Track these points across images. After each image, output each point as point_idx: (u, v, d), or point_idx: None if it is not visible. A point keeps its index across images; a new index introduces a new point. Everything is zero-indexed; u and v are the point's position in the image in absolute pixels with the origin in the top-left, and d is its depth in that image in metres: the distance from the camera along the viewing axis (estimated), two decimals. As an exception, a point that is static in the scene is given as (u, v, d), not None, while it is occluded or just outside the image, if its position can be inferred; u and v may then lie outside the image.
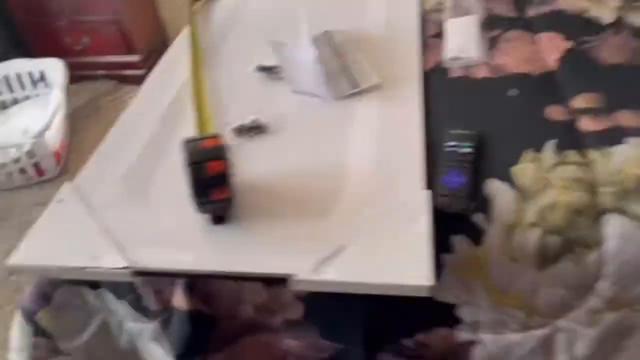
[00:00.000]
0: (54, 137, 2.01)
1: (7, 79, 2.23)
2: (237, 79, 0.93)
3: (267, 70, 0.92)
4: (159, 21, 2.69)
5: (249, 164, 0.71)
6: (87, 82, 2.56)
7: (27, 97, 2.28)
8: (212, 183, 0.62)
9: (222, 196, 0.63)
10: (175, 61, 1.00)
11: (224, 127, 0.81)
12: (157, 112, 0.86)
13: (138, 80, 2.51)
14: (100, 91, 2.53)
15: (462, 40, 0.95)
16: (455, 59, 0.92)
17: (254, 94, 0.89)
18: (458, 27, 1.00)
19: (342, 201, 0.68)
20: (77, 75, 2.35)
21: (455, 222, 0.67)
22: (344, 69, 0.90)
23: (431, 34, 1.02)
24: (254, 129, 0.80)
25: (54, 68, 2.19)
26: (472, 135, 0.74)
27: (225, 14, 1.15)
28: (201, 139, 0.64)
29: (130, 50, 2.41)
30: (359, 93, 0.86)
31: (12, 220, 1.93)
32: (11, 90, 2.25)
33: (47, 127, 1.90)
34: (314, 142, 0.78)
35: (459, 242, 0.67)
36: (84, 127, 2.33)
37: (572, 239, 0.66)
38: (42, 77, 2.25)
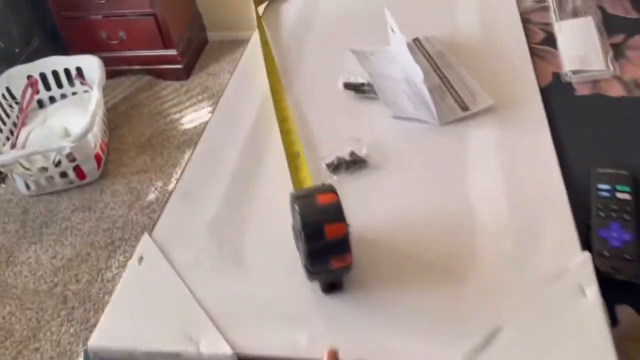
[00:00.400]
0: (94, 139, 1.93)
1: (44, 77, 2.14)
2: (323, 100, 0.80)
3: (356, 88, 0.80)
4: (195, 14, 2.57)
5: (354, 208, 0.60)
6: (123, 77, 2.47)
7: (64, 96, 2.19)
8: (331, 249, 0.51)
9: (342, 264, 0.52)
10: (249, 74, 0.88)
11: (318, 161, 0.70)
12: (238, 140, 0.75)
13: (175, 75, 2.43)
14: (137, 87, 2.44)
15: (581, 49, 0.82)
16: (577, 72, 0.78)
17: (345, 119, 0.77)
18: (572, 32, 0.86)
19: (478, 261, 0.56)
20: (112, 71, 2.26)
21: (615, 288, 0.55)
22: (448, 87, 0.78)
23: (538, 40, 0.88)
24: (352, 164, 0.69)
25: (91, 65, 2.10)
26: (627, 176, 0.61)
27: (295, 16, 1.03)
28: (313, 194, 0.52)
29: (166, 44, 2.31)
30: (470, 116, 0.74)
31: (53, 227, 1.86)
32: (48, 88, 2.16)
33: (88, 129, 1.81)
34: (426, 179, 0.66)
35: (622, 311, 0.55)
36: (122, 124, 2.24)
37: None
38: (79, 74, 2.16)
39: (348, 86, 0.80)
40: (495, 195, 0.63)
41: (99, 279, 1.68)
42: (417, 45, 0.86)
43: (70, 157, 1.85)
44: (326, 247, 0.50)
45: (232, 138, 0.75)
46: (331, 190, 0.53)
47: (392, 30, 0.83)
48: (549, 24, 0.91)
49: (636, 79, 0.76)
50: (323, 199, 0.52)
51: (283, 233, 0.58)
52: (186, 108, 2.31)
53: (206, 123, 0.78)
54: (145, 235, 0.62)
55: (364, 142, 0.71)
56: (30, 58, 2.14)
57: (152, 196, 1.92)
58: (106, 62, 2.10)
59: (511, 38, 0.88)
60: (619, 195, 0.59)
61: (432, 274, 0.55)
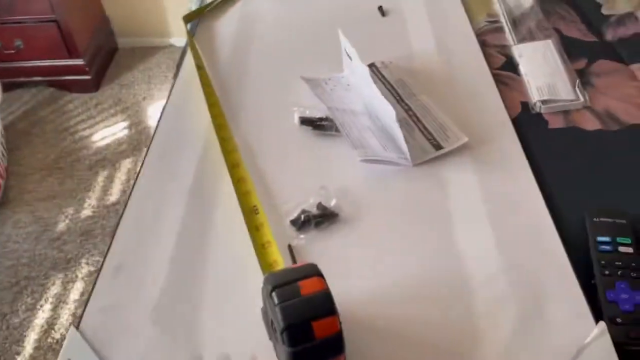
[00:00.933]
0: (-9, 166, 1.69)
1: None
2: (277, 138, 0.70)
3: (313, 124, 0.70)
4: (102, 19, 2.36)
5: (330, 274, 0.49)
6: (22, 90, 2.21)
7: (-50, 115, 1.92)
8: (322, 352, 0.41)
9: (334, 366, 0.42)
10: (184, 107, 0.76)
11: (280, 217, 0.59)
12: (180, 193, 0.62)
13: (83, 86, 2.21)
14: (38, 101, 2.20)
15: (547, 76, 0.77)
16: (546, 101, 0.74)
17: (305, 162, 0.67)
18: (533, 57, 0.81)
19: (481, 338, 0.48)
20: (8, 83, 2.01)
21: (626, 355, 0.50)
22: (415, 121, 0.70)
23: (498, 66, 0.83)
24: (321, 218, 0.59)
25: (-17, 79, 1.85)
26: (626, 226, 0.56)
27: (231, 37, 0.91)
28: (294, 280, 0.42)
29: (72, 53, 2.09)
30: (443, 155, 0.66)
31: (-56, 270, 1.62)
32: None
33: (-19, 155, 1.58)
34: (408, 234, 0.58)
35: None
36: (22, 145, 2.00)
37: None
38: (-32, 89, 1.89)
39: (305, 121, 0.70)
40: (486, 252, 0.55)
41: (4, 327, 1.47)
42: (374, 72, 0.78)
43: (-38, 187, 1.61)
44: (316, 349, 0.40)
45: (171, 190, 0.63)
46: (316, 273, 0.43)
47: (349, 57, 0.74)
48: (506, 46, 0.86)
49: (608, 109, 0.72)
50: (308, 288, 0.42)
51: (250, 312, 0.48)
52: (97, 123, 2.10)
53: (137, 174, 0.65)
54: (72, 330, 0.48)
55: (331, 191, 0.62)
56: None
57: (62, 226, 1.72)
58: (1, 73, 1.86)
59: (471, 63, 0.81)
60: (621, 248, 0.54)
61: (431, 356, 0.47)
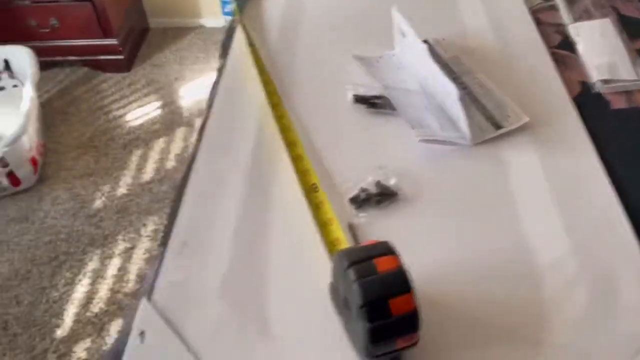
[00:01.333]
0: (29, 141, 1.72)
1: (-35, 71, 1.89)
2: (331, 117, 0.69)
3: (368, 102, 0.70)
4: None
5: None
6: (56, 69, 2.24)
7: (-10, 92, 1.95)
8: (398, 328, 0.41)
9: (409, 343, 0.42)
10: (236, 88, 0.75)
11: (338, 195, 0.59)
12: (238, 171, 0.62)
13: (116, 66, 2.22)
14: (73, 80, 2.22)
15: (606, 55, 0.75)
16: (607, 81, 0.72)
17: (361, 141, 0.66)
18: (592, 36, 0.79)
19: (550, 322, 0.47)
20: (44, 62, 2.03)
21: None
22: (473, 99, 0.69)
23: (555, 44, 0.80)
24: (381, 197, 0.58)
25: (21, 57, 1.88)
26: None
27: (279, 14, 0.90)
28: (370, 258, 0.42)
29: (106, 33, 2.11)
30: (503, 135, 0.65)
31: (-14, 240, 1.65)
32: (-29, 83, 1.91)
33: (22, 132, 1.61)
34: (470, 214, 0.57)
35: None
36: (58, 123, 2.03)
37: None
38: (7, 67, 1.92)
39: (359, 100, 0.70)
40: (552, 235, 0.54)
41: (44, 300, 1.50)
42: (428, 49, 0.77)
43: (2, 163, 1.64)
44: (392, 326, 0.40)
45: (230, 169, 0.63)
46: (390, 251, 0.43)
47: (402, 35, 0.73)
48: (561, 25, 0.84)
49: (672, 90, 0.70)
50: (384, 265, 0.41)
51: (314, 288, 0.48)
52: (130, 103, 2.12)
53: (193, 153, 0.65)
54: (144, 302, 0.49)
55: (389, 170, 0.61)
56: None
57: (98, 203, 1.75)
58: (38, 52, 1.88)
59: (527, 41, 0.80)
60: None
61: (499, 337, 0.47)
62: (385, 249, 0.43)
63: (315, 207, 0.57)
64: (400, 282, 0.41)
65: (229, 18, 0.90)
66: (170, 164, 1.85)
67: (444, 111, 0.67)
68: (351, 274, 0.41)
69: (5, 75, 1.92)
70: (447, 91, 0.63)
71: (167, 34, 2.45)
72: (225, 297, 0.50)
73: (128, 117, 2.05)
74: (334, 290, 0.46)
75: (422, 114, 0.67)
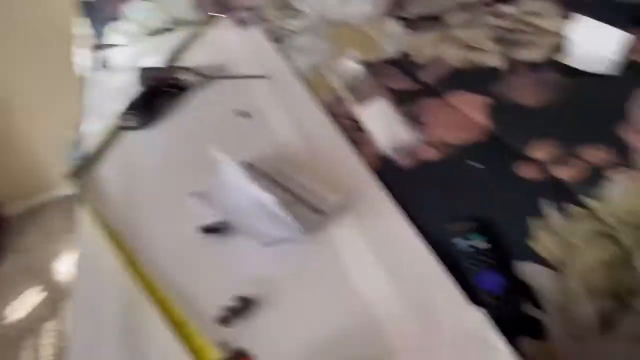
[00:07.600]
0: None
1: None
2: (187, 251, 0.79)
3: (216, 230, 0.80)
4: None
5: (263, 353, 0.59)
6: None
7: None
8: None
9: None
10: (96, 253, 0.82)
11: (205, 318, 0.67)
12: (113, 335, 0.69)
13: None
14: None
15: (389, 127, 0.93)
16: (395, 149, 0.89)
17: (216, 264, 0.76)
18: (375, 115, 0.97)
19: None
20: None
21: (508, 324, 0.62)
22: (296, 199, 0.82)
23: (349, 130, 0.98)
24: (241, 310, 0.68)
25: None
26: (477, 226, 0.70)
27: (114, 175, 1.00)
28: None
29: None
30: (327, 220, 0.78)
31: None
32: None
33: None
34: (323, 300, 0.68)
35: (524, 342, 0.62)
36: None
37: (621, 292, 0.64)
38: None
39: (208, 230, 0.80)
40: (386, 288, 0.67)
41: None
42: (252, 169, 0.89)
43: None
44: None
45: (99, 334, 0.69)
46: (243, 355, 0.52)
47: (224, 164, 0.85)
48: (350, 112, 1.01)
49: (439, 138, 0.88)
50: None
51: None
52: (6, 296, 2.03)
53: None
54: None
55: (246, 284, 0.71)
56: None
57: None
58: None
59: (328, 137, 0.96)
60: (480, 245, 0.68)
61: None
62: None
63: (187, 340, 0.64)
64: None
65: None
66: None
67: (276, 215, 0.78)
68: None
69: None
70: (266, 201, 0.75)
71: (25, 216, 2.40)
72: None
73: (7, 311, 1.96)
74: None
75: (260, 223, 0.78)
